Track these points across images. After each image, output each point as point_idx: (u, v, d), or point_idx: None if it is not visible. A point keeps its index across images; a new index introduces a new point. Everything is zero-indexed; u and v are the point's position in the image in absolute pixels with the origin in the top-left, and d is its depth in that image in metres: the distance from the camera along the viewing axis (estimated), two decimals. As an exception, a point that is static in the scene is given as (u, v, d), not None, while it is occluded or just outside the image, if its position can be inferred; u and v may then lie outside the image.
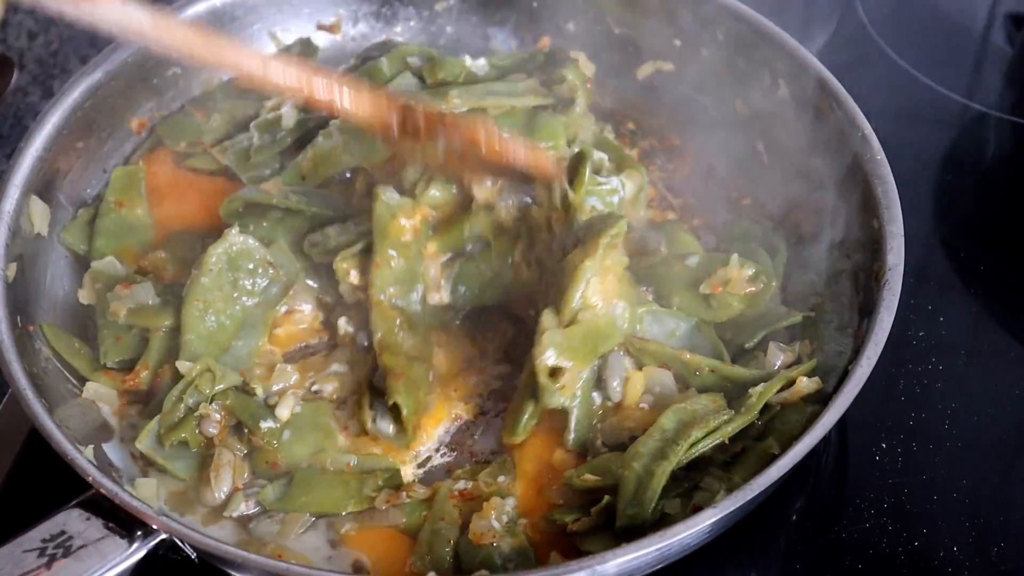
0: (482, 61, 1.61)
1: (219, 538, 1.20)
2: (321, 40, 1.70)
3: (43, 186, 1.45)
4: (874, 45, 1.81)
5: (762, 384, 1.27)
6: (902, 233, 1.30)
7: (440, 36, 1.73)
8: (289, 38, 1.68)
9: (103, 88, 1.52)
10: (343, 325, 1.42)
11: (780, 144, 1.51)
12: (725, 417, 1.24)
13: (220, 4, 1.61)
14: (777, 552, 1.33)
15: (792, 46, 1.49)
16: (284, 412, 1.34)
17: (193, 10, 1.59)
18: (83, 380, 1.38)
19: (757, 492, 1.11)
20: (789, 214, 1.46)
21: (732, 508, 1.10)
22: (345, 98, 1.29)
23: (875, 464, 1.37)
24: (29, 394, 1.22)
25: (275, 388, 1.39)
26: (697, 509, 1.13)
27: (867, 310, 1.28)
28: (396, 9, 1.72)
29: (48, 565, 1.09)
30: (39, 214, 1.43)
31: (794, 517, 1.35)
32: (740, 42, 1.53)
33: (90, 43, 1.92)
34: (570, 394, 1.29)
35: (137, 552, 1.13)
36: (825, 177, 1.44)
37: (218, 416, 1.32)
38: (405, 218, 1.38)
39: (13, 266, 1.35)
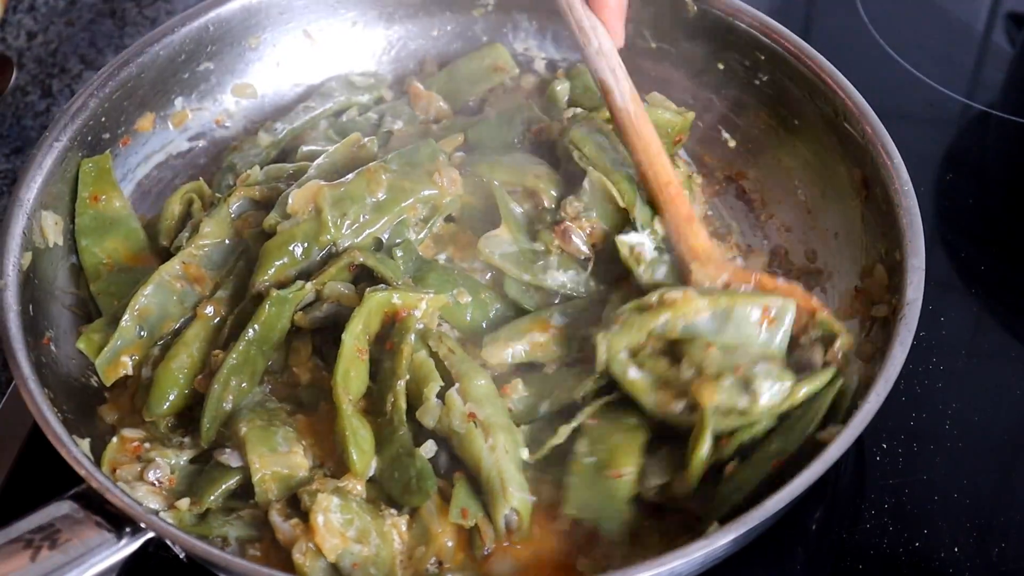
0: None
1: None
2: (354, 38, 1.61)
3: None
4: (874, 44, 1.75)
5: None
6: (923, 267, 1.22)
7: (476, 43, 1.63)
8: (324, 37, 1.60)
9: (133, 81, 1.44)
10: None
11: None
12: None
13: (256, 1, 1.52)
14: (775, 551, 1.28)
15: (829, 71, 1.40)
16: None
17: (227, 8, 1.50)
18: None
19: (751, 527, 1.06)
20: (811, 242, 1.40)
21: (721, 543, 1.06)
22: None
23: (875, 464, 1.32)
24: (32, 384, 1.17)
25: None
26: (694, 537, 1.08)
27: (882, 344, 1.21)
28: (433, 13, 1.63)
29: (33, 556, 1.04)
30: (51, 228, 1.36)
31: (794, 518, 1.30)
32: (779, 65, 1.45)
33: (89, 43, 1.86)
34: None
35: (125, 548, 1.08)
36: (851, 204, 1.37)
37: None
38: None
39: (28, 255, 1.29)
